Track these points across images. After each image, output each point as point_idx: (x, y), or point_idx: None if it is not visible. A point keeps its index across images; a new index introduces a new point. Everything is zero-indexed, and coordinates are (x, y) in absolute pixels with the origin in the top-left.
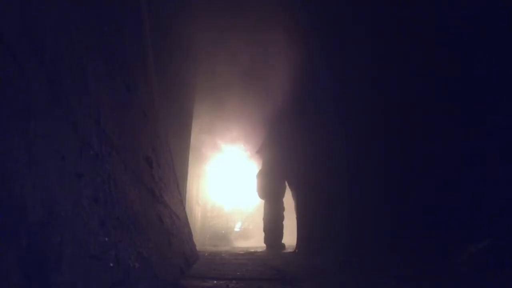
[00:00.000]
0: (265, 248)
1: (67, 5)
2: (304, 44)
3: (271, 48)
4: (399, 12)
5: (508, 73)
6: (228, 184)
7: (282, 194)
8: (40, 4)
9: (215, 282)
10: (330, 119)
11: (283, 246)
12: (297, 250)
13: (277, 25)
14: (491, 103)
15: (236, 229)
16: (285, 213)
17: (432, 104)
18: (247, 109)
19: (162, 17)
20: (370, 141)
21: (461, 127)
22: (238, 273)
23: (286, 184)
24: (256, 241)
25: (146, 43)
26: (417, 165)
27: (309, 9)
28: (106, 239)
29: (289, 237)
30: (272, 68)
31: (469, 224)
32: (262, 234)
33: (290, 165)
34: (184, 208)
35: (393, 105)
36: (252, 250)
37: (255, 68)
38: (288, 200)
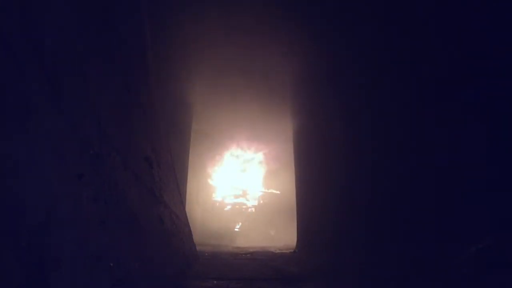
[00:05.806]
0: (265, 248)
1: (67, 7)
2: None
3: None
4: None
5: None
6: (228, 184)
7: None
8: (39, 6)
9: (215, 282)
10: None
11: None
12: (297, 250)
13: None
14: None
15: (236, 229)
16: (286, 212)
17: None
18: (249, 109)
19: (162, 17)
20: (369, 142)
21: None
22: (238, 273)
23: None
24: (256, 241)
25: (146, 43)
26: (412, 163)
27: None
28: (106, 239)
29: (289, 236)
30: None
31: (468, 224)
32: (261, 234)
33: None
34: (184, 208)
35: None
36: (252, 250)
37: (259, 69)
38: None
